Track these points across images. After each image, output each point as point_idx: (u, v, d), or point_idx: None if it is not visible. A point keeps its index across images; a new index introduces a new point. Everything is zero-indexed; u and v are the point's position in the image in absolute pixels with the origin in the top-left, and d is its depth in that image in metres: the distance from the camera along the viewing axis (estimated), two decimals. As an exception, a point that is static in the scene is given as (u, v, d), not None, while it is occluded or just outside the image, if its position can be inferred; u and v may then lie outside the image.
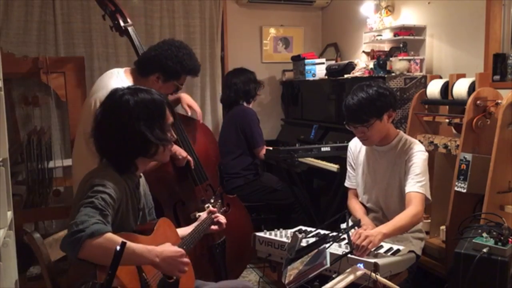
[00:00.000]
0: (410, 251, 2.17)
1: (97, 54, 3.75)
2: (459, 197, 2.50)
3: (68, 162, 3.06)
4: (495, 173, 2.30)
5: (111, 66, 2.99)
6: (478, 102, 2.49)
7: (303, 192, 3.45)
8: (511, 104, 2.32)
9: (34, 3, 3.55)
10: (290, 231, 2.33)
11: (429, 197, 2.26)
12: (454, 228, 2.30)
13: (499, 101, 2.44)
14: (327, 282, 1.64)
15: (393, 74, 3.16)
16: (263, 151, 3.41)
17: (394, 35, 3.35)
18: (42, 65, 2.92)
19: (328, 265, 1.62)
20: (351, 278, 1.66)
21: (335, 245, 2.01)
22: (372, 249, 1.99)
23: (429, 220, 2.82)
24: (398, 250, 2.09)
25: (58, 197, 3.22)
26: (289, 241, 1.90)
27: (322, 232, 2.31)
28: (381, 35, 3.54)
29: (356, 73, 3.51)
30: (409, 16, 3.47)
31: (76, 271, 1.57)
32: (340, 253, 1.93)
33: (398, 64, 3.17)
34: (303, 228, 2.42)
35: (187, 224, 2.04)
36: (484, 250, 1.86)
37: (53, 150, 3.53)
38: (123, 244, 1.25)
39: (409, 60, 3.21)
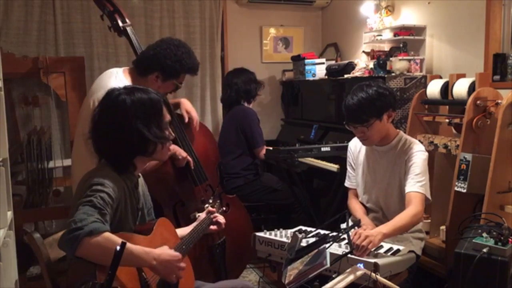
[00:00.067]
0: (410, 251, 2.17)
1: (97, 54, 3.75)
2: (459, 197, 2.50)
3: (68, 162, 3.06)
4: (495, 173, 2.30)
5: (111, 66, 2.98)
6: (478, 102, 2.49)
7: (303, 192, 3.44)
8: (511, 104, 2.32)
9: (34, 3, 3.54)
10: (290, 231, 2.33)
11: (429, 197, 2.26)
12: (454, 228, 2.30)
13: (499, 101, 2.44)
14: (327, 282, 1.63)
15: (393, 74, 3.16)
16: (263, 151, 3.40)
17: (394, 35, 3.35)
18: (42, 65, 2.92)
19: (328, 265, 1.62)
20: (351, 278, 1.66)
21: (335, 245, 2.01)
22: (372, 249, 1.99)
23: (429, 220, 2.82)
24: (398, 250, 2.09)
25: (58, 197, 3.23)
26: (289, 241, 1.90)
27: (322, 232, 2.31)
28: (381, 35, 3.54)
29: (356, 73, 3.51)
30: (409, 16, 3.47)
31: (76, 271, 1.57)
32: (340, 253, 1.92)
33: (398, 64, 3.17)
34: (303, 228, 2.42)
35: (187, 224, 2.04)
36: (484, 250, 1.86)
37: (53, 150, 3.53)
38: (123, 244, 1.25)
39: (409, 60, 3.21)
